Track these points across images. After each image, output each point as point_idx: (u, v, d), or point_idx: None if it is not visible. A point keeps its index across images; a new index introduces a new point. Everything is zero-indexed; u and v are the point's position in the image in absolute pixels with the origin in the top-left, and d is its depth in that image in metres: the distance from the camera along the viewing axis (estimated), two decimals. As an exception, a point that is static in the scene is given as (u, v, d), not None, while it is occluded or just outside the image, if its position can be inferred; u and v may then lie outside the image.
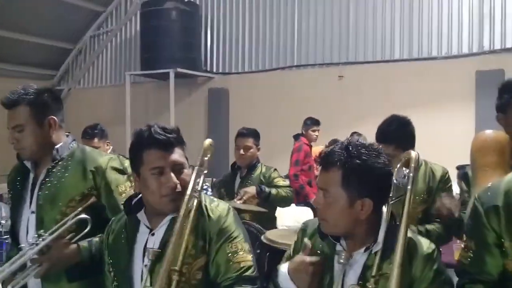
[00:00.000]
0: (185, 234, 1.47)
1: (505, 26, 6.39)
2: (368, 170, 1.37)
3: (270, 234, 2.65)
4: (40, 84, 2.07)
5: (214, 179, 6.26)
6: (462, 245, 1.42)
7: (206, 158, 1.62)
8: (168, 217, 1.55)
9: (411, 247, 1.38)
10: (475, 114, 6.21)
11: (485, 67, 6.22)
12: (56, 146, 1.93)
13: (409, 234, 1.40)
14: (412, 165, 1.45)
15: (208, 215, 1.56)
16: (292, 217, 4.23)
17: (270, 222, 3.40)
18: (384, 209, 1.44)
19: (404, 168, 1.47)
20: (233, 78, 8.38)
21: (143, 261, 1.55)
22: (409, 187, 1.41)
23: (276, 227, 3.46)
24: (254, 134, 3.51)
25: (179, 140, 1.57)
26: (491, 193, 1.32)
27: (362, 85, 7.09)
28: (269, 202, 3.31)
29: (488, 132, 1.89)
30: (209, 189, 5.79)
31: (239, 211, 3.33)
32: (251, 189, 3.25)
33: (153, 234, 1.57)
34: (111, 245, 1.67)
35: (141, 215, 1.61)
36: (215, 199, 1.66)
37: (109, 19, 9.84)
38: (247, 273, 1.51)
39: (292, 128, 6.22)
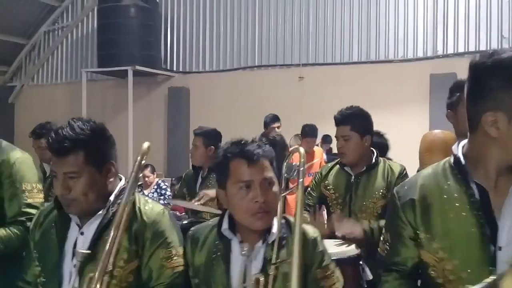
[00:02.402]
0: (119, 239, 1.44)
1: (457, 31, 6.66)
2: None
3: None
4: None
5: (173, 179, 6.19)
6: (381, 238, 1.47)
7: (143, 162, 1.56)
8: (98, 218, 1.52)
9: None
10: (429, 115, 6.42)
11: (438, 70, 6.44)
12: None
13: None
14: (302, 160, 1.51)
15: (142, 219, 1.52)
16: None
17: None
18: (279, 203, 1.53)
19: (294, 163, 1.53)
20: (193, 77, 8.31)
21: (72, 260, 1.50)
22: (300, 180, 1.47)
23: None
24: (206, 134, 3.46)
25: (75, 145, 1.47)
26: (407, 188, 1.36)
27: (321, 86, 7.20)
28: None
29: (436, 132, 1.94)
30: (169, 189, 5.71)
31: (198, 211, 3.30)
32: (212, 192, 3.21)
33: (82, 233, 1.53)
34: (39, 240, 1.61)
35: None
36: (150, 200, 1.61)
37: (64, 14, 9.54)
38: (180, 279, 1.50)
39: (252, 128, 6.21)
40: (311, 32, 7.49)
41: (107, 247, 1.40)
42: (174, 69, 8.54)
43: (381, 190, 2.40)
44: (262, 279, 1.39)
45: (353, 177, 2.48)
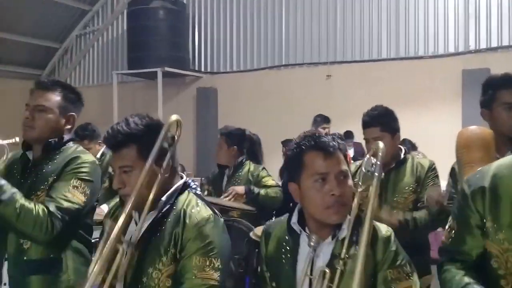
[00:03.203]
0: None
1: (490, 25, 6.47)
2: None
3: (258, 231, 2.63)
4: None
5: (202, 179, 6.24)
6: (447, 226, 1.45)
7: (169, 135, 1.57)
8: (150, 217, 1.52)
9: (372, 232, 1.43)
10: (461, 112, 6.27)
11: (471, 66, 6.29)
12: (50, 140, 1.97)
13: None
14: (380, 154, 1.50)
15: (184, 221, 1.47)
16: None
17: (258, 221, 3.39)
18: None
19: (372, 158, 1.52)
20: (221, 78, 8.37)
21: None
22: (376, 173, 1.46)
23: (264, 226, 3.45)
24: (229, 134, 3.50)
25: (128, 139, 1.50)
26: (479, 176, 1.35)
27: (349, 84, 7.13)
28: (257, 203, 3.29)
29: (472, 128, 1.90)
30: (198, 189, 5.77)
31: (227, 209, 3.32)
32: (240, 189, 3.25)
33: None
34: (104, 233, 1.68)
35: None
36: (201, 203, 1.55)
37: (95, 18, 9.76)
38: None
39: (280, 127, 6.22)
40: (338, 29, 7.43)
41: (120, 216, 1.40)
42: (202, 69, 8.62)
43: (411, 185, 2.43)
44: (328, 272, 1.37)
45: (382, 174, 2.49)
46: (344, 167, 1.43)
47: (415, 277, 1.44)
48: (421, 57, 6.85)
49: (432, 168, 2.46)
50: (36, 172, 1.90)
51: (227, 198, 3.20)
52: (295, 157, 1.45)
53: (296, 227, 1.48)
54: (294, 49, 7.78)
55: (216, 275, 1.43)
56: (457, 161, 1.95)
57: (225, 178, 3.49)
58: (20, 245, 1.85)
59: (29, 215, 1.72)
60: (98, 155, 3.85)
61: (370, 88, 6.81)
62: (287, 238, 1.49)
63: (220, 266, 1.44)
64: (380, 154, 1.50)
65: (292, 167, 1.47)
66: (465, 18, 6.60)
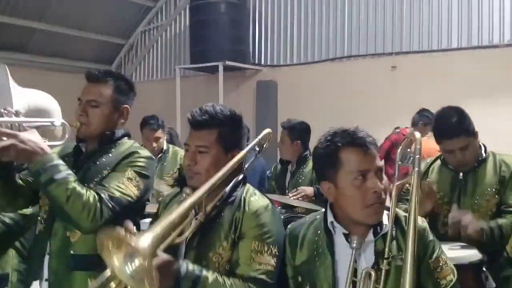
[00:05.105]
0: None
1: None
2: None
3: None
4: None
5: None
6: None
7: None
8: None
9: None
10: (541, 105, 5.81)
11: (553, 54, 5.79)
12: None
13: (404, 214, 1.45)
14: (418, 146, 1.46)
15: (244, 208, 1.54)
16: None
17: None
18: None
19: (408, 150, 1.49)
20: (281, 70, 8.30)
21: None
22: (416, 168, 1.43)
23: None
24: (291, 128, 3.44)
25: (213, 121, 1.59)
26: None
27: (417, 76, 6.80)
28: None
29: None
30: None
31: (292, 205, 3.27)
32: (310, 190, 3.18)
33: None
34: None
35: None
36: (257, 192, 1.63)
37: (159, 14, 10.00)
38: (263, 277, 1.45)
39: (342, 120, 6.01)
40: (404, 17, 7.09)
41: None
42: (262, 63, 8.59)
43: (494, 186, 2.21)
44: (373, 273, 1.34)
45: (460, 174, 2.30)
46: (380, 162, 1.42)
47: (450, 264, 1.45)
48: (496, 46, 6.39)
49: None
50: (89, 164, 1.87)
51: (295, 198, 3.15)
52: (329, 155, 1.42)
53: (333, 226, 1.46)
54: (357, 39, 7.54)
55: (273, 261, 1.47)
56: None
57: (288, 174, 3.45)
58: (67, 238, 1.80)
59: (79, 198, 1.65)
60: (164, 146, 4.16)
61: (439, 80, 6.45)
62: (317, 239, 1.47)
63: (277, 253, 1.48)
64: (418, 146, 1.45)
65: (325, 165, 1.44)
66: (546, 2, 6.09)
